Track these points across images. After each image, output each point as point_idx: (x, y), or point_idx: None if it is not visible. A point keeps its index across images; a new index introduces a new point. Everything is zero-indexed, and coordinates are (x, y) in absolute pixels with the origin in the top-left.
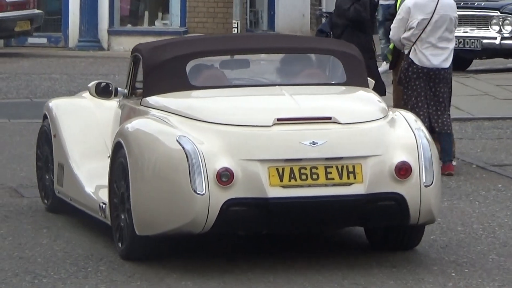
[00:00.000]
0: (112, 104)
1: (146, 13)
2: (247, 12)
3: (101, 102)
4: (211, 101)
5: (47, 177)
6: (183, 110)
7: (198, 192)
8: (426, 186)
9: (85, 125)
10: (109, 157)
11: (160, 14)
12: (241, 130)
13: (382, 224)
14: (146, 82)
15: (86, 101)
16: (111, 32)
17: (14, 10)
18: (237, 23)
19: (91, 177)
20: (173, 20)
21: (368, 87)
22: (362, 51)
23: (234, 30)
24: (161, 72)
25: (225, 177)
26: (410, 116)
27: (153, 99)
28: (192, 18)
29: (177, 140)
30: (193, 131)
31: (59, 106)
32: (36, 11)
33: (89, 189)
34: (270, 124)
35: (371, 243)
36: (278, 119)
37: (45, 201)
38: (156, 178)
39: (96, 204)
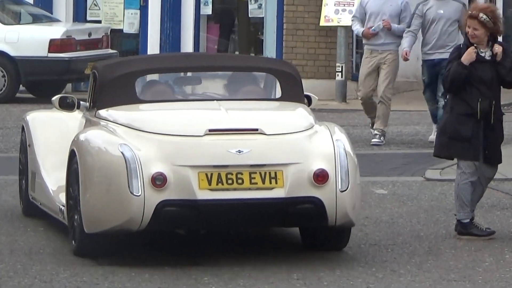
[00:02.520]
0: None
1: (237, 54)
2: (353, 54)
3: (74, 115)
4: (153, 113)
5: (24, 182)
6: (128, 122)
7: (134, 193)
8: (342, 191)
9: (57, 136)
10: None
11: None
12: (175, 139)
13: (302, 225)
14: (99, 96)
15: (61, 114)
16: None
17: (85, 50)
18: (342, 66)
19: (57, 184)
20: None
21: (303, 102)
22: None
23: (338, 75)
24: (112, 87)
25: (159, 180)
26: (335, 128)
27: (104, 112)
28: (289, 60)
29: (118, 148)
30: (134, 140)
31: (35, 118)
32: (110, 50)
33: (54, 194)
34: (202, 134)
35: (304, 244)
36: (210, 130)
37: (21, 202)
38: (100, 181)
39: (57, 207)
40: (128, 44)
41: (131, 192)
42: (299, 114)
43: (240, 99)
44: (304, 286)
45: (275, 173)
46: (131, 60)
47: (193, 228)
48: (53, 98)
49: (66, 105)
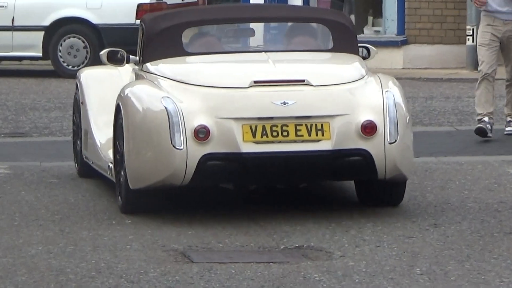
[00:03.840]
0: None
1: (352, 17)
2: None
3: (128, 69)
4: (198, 65)
5: (78, 142)
6: (174, 75)
7: (177, 147)
8: (390, 143)
9: (110, 92)
10: None
11: (370, 19)
12: (219, 91)
13: (350, 179)
14: (146, 49)
15: (116, 69)
16: None
17: None
18: (473, 29)
19: (107, 141)
20: (388, 26)
21: (357, 53)
22: None
23: (468, 39)
24: (158, 39)
25: (201, 133)
26: (387, 79)
27: (150, 65)
28: (412, 23)
29: (161, 101)
30: (178, 93)
31: (88, 75)
32: None
33: (103, 152)
34: (247, 86)
35: (359, 199)
36: (255, 81)
37: (76, 165)
38: (143, 135)
39: (106, 164)
40: None
41: (173, 146)
42: (349, 65)
43: (290, 50)
44: (429, 282)
45: (322, 125)
46: (179, 12)
47: (238, 183)
48: (101, 52)
49: (115, 59)
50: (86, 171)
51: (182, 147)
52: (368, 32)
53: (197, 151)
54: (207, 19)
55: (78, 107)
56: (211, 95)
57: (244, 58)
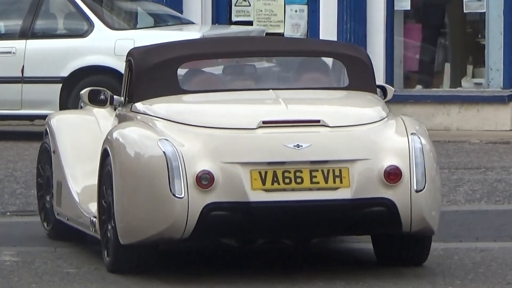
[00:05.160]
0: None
1: (447, 66)
2: None
3: (107, 115)
4: (197, 105)
5: (47, 198)
6: (169, 115)
7: (177, 195)
8: (417, 192)
9: (86, 139)
10: None
11: (470, 69)
12: (223, 133)
13: (371, 232)
14: (136, 87)
15: (90, 114)
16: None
17: None
18: None
19: (87, 193)
20: (492, 77)
21: (375, 92)
22: None
23: None
24: (151, 76)
25: (205, 180)
26: (411, 120)
27: (141, 105)
28: None
29: (157, 144)
30: (176, 135)
31: (60, 120)
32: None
33: (83, 205)
34: (255, 127)
35: (377, 258)
36: (264, 122)
37: (45, 224)
38: (137, 182)
39: (88, 219)
40: None
41: (173, 194)
42: (368, 104)
43: (300, 88)
44: None
45: (340, 170)
46: (173, 45)
47: (245, 237)
48: (82, 92)
49: (97, 100)
50: (59, 231)
51: (182, 195)
52: (467, 85)
53: (200, 200)
54: (206, 53)
55: (47, 157)
56: (214, 137)
57: (250, 97)
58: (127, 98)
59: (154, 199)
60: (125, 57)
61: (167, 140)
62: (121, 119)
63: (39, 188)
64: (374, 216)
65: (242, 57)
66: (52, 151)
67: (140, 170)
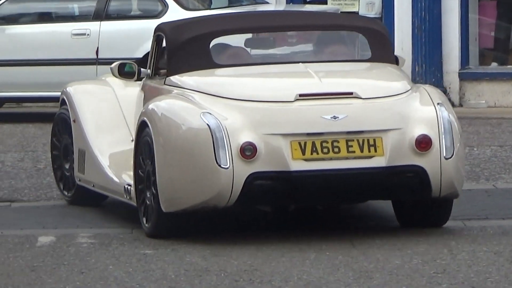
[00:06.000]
0: (134, 87)
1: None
2: None
3: (122, 85)
4: (234, 78)
5: (67, 166)
6: (207, 88)
7: (222, 165)
8: (446, 159)
9: (106, 109)
10: (132, 140)
11: None
12: (263, 106)
13: (404, 197)
14: (170, 61)
15: (106, 84)
16: (464, 76)
17: None
18: None
19: (114, 161)
20: None
21: (394, 63)
22: None
23: None
24: (184, 50)
25: (248, 151)
26: (434, 90)
27: (177, 78)
28: None
29: (201, 117)
30: (216, 108)
31: (79, 90)
32: None
33: (113, 172)
34: (292, 100)
35: (400, 222)
36: (300, 95)
37: (65, 192)
38: (181, 154)
39: (121, 186)
40: None
41: (218, 165)
42: (394, 76)
43: (326, 60)
44: None
45: (374, 140)
46: (204, 20)
47: (285, 204)
48: (112, 65)
49: (126, 73)
50: (81, 197)
51: (228, 165)
52: None
53: (244, 170)
54: (236, 28)
55: (64, 126)
56: (255, 109)
57: (282, 69)
58: (154, 71)
59: (200, 170)
60: (154, 31)
61: (209, 113)
62: (152, 91)
63: (55, 160)
64: (406, 183)
65: (270, 31)
66: (72, 120)
67: (184, 142)
